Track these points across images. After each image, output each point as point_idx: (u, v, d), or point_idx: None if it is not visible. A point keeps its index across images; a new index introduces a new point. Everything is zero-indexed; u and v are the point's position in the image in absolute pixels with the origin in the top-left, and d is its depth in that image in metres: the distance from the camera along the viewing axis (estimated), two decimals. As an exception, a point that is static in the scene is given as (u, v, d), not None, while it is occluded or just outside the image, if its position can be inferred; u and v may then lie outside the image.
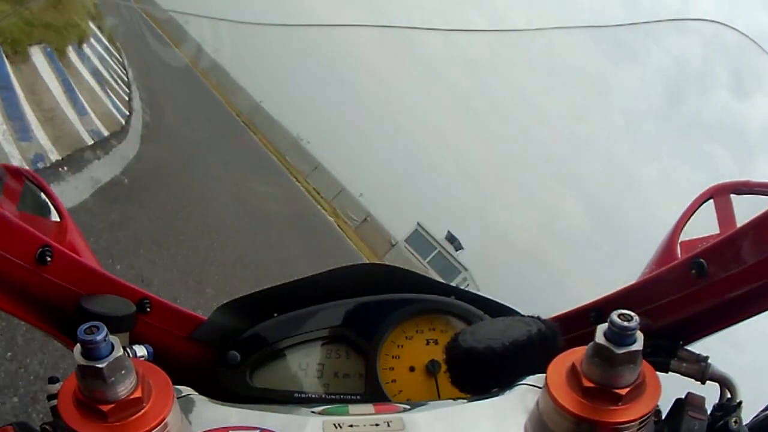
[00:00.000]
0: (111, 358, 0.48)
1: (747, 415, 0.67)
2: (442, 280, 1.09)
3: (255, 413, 0.60)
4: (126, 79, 9.99)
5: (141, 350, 0.76)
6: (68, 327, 0.76)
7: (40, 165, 4.61)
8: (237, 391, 0.92)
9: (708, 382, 0.72)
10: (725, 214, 0.91)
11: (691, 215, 0.99)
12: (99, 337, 0.48)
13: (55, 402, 0.59)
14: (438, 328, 0.97)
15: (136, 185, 6.17)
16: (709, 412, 0.64)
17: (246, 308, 0.97)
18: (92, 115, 6.62)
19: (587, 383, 0.51)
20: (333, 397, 0.93)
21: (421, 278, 1.01)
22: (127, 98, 9.06)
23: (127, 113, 8.27)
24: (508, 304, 0.98)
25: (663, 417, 0.62)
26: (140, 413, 0.50)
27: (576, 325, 0.86)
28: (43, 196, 0.99)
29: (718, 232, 0.89)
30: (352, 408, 0.67)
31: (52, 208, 0.97)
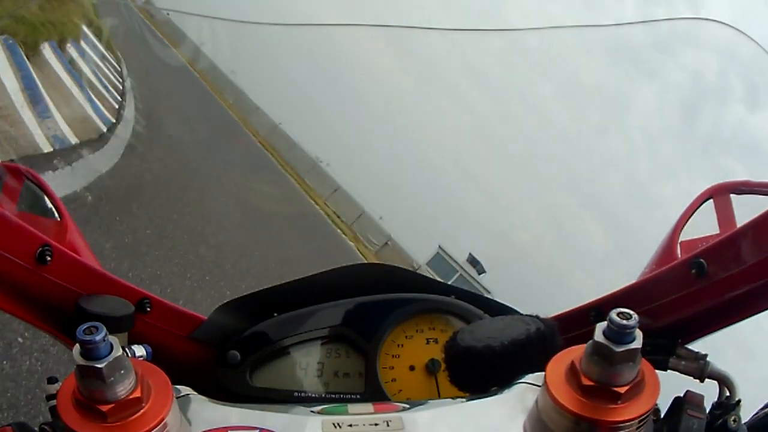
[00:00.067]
0: (110, 358, 0.48)
1: (746, 413, 0.67)
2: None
3: (254, 413, 0.60)
4: (120, 87, 9.40)
5: (140, 350, 0.76)
6: (68, 327, 0.76)
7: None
8: (237, 390, 0.92)
9: (707, 380, 0.72)
10: (725, 214, 0.91)
11: (691, 215, 0.99)
12: (98, 338, 0.48)
13: (54, 402, 0.59)
14: (438, 327, 0.97)
15: (103, 205, 5.16)
16: (708, 410, 0.64)
17: (246, 308, 0.97)
18: (57, 118, 5.73)
19: (586, 381, 0.51)
20: (333, 396, 0.93)
21: (421, 278, 1.01)
22: (116, 106, 8.30)
23: (113, 121, 7.47)
24: (507, 304, 0.98)
25: (662, 415, 0.63)
26: (139, 413, 0.50)
27: (576, 324, 0.86)
28: (42, 195, 0.99)
29: (718, 232, 0.89)
30: (352, 407, 0.67)
31: (52, 207, 0.97)
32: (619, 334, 0.49)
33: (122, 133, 7.36)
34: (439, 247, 30.12)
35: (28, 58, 5.89)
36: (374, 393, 0.93)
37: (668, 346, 0.74)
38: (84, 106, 6.88)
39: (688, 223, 0.98)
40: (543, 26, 0.94)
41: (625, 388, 0.51)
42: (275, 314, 0.96)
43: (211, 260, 6.33)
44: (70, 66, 7.30)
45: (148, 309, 0.84)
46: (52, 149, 5.05)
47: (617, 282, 0.84)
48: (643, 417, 0.52)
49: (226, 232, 7.91)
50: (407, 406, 0.65)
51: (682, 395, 0.64)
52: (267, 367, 0.94)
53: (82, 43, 8.71)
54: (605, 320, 0.51)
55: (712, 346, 0.75)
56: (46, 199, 0.98)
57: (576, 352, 0.54)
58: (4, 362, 2.78)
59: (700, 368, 0.72)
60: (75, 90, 6.91)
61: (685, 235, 0.96)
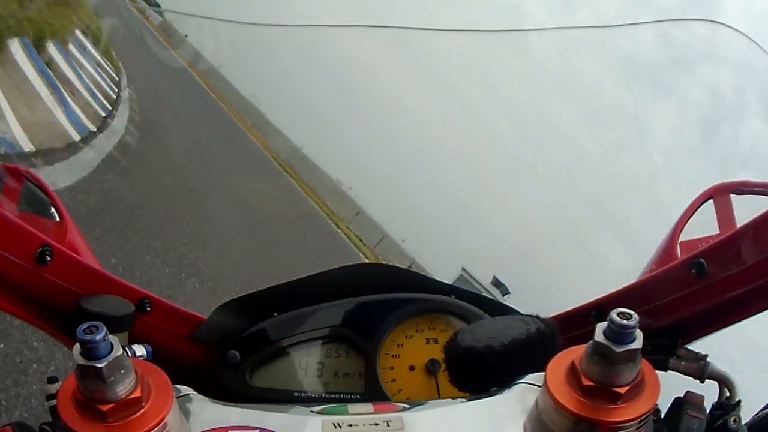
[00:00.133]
0: (110, 357, 0.48)
1: (746, 414, 0.67)
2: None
3: (254, 413, 0.60)
4: (114, 95, 8.65)
5: (140, 350, 0.76)
6: (68, 327, 0.76)
7: None
8: (237, 390, 0.92)
9: (707, 380, 0.72)
10: (725, 214, 0.91)
11: (691, 215, 0.99)
12: (98, 337, 0.48)
13: (54, 402, 0.59)
14: (438, 327, 0.97)
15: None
16: (708, 410, 0.64)
17: (246, 308, 0.97)
18: (10, 120, 5.16)
19: (586, 382, 0.51)
20: (333, 396, 0.93)
21: (421, 278, 1.01)
22: (103, 114, 7.44)
23: (92, 130, 6.60)
24: (507, 304, 0.98)
25: (662, 416, 0.62)
26: (139, 413, 0.50)
27: (576, 324, 0.86)
28: (42, 195, 0.99)
29: (717, 232, 0.89)
30: (352, 407, 0.67)
31: (51, 207, 0.97)
32: (620, 335, 0.49)
33: (102, 144, 6.54)
34: (462, 268, 30.18)
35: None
36: (374, 393, 0.93)
37: (668, 346, 0.74)
38: (53, 110, 6.14)
39: (688, 223, 0.98)
40: (543, 27, 0.94)
41: (626, 388, 0.51)
42: (275, 314, 0.96)
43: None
44: (46, 67, 6.69)
45: (148, 309, 0.84)
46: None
47: (618, 283, 0.84)
48: (643, 417, 0.51)
49: (226, 255, 6.96)
50: (407, 406, 0.65)
51: (682, 395, 0.64)
52: (267, 367, 0.94)
53: (71, 47, 8.14)
54: (605, 320, 0.51)
55: (710, 345, 0.75)
56: (46, 199, 0.98)
57: (576, 353, 0.54)
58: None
59: (700, 369, 0.72)
60: (45, 92, 6.26)
61: (685, 235, 0.96)
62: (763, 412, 0.70)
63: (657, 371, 0.54)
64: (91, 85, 8.12)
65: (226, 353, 0.92)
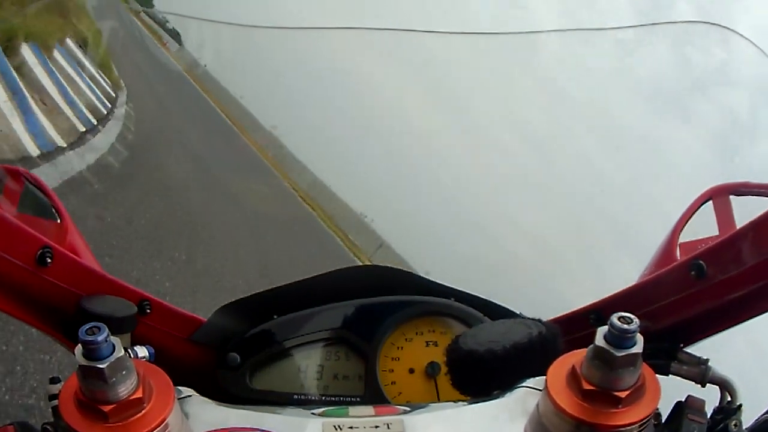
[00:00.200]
0: (112, 358, 0.48)
1: (747, 418, 0.67)
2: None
3: (255, 414, 0.60)
4: (103, 111, 7.89)
5: (142, 351, 0.76)
6: (69, 328, 0.76)
7: None
8: (237, 393, 0.92)
9: (708, 385, 0.72)
10: (724, 215, 0.91)
11: (691, 217, 0.99)
12: (100, 338, 0.48)
13: (56, 402, 0.59)
14: (438, 330, 0.97)
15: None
16: (709, 415, 0.64)
17: (246, 310, 0.97)
18: None
19: (587, 386, 0.51)
20: (332, 398, 0.93)
21: (421, 280, 1.01)
22: (82, 129, 6.61)
23: (59, 144, 5.73)
24: (508, 307, 0.98)
25: (663, 420, 0.62)
26: (141, 414, 0.50)
27: (576, 327, 0.86)
28: (42, 197, 0.99)
29: (717, 233, 0.89)
30: (352, 410, 0.67)
31: (52, 209, 0.97)
32: (620, 339, 0.49)
33: (71, 161, 5.66)
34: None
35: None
36: (374, 396, 0.93)
37: (669, 350, 0.74)
38: (8, 120, 5.28)
39: (687, 224, 0.98)
40: (546, 29, 0.95)
41: (626, 392, 0.51)
42: (275, 316, 0.96)
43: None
44: (11, 70, 5.97)
45: (148, 311, 0.84)
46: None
47: (617, 285, 0.84)
48: (644, 421, 0.51)
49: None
50: (408, 409, 0.65)
51: (683, 400, 0.64)
52: (267, 369, 0.94)
53: (56, 54, 7.50)
54: (605, 323, 0.51)
55: (710, 347, 0.75)
56: (46, 200, 0.98)
57: (577, 357, 0.54)
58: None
59: (701, 373, 0.72)
60: (2, 97, 5.48)
61: (685, 236, 0.96)
62: (764, 416, 0.70)
63: (658, 375, 0.54)
64: (75, 97, 7.37)
65: (226, 355, 0.92)
